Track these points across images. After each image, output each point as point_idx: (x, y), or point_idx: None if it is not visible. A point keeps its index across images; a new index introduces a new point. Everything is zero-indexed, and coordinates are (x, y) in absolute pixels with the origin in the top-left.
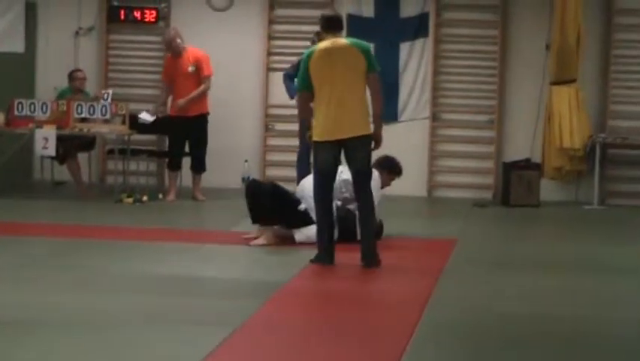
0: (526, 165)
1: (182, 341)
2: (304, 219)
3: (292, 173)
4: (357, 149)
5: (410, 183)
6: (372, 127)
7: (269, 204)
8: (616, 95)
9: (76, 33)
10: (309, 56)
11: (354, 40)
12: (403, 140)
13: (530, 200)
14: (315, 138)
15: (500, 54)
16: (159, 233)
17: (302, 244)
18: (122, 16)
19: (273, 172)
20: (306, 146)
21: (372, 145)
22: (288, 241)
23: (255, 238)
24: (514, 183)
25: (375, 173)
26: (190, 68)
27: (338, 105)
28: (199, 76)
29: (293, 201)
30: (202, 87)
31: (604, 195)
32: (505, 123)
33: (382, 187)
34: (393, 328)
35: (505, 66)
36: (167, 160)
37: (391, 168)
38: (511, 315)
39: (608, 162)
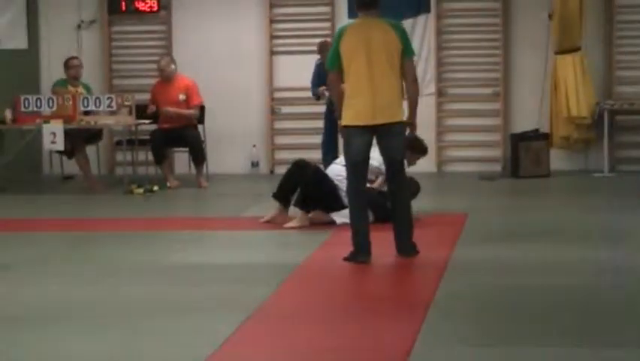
0: (533, 135)
1: (197, 330)
2: (342, 204)
3: (300, 155)
4: (393, 136)
5: (419, 160)
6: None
7: (313, 189)
8: (621, 60)
9: (78, 26)
10: (341, 33)
11: (389, 20)
12: None
13: (540, 171)
14: (346, 123)
15: (503, 26)
16: (171, 222)
17: (330, 224)
18: (123, 7)
19: (282, 155)
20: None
21: (407, 131)
22: (317, 223)
23: (271, 219)
24: (523, 155)
25: None
26: (181, 97)
27: (373, 88)
28: (188, 103)
29: (333, 184)
30: (191, 112)
31: (614, 162)
32: (511, 95)
33: (408, 166)
34: (410, 301)
35: (508, 38)
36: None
37: (416, 148)
38: (525, 286)
39: (616, 128)
